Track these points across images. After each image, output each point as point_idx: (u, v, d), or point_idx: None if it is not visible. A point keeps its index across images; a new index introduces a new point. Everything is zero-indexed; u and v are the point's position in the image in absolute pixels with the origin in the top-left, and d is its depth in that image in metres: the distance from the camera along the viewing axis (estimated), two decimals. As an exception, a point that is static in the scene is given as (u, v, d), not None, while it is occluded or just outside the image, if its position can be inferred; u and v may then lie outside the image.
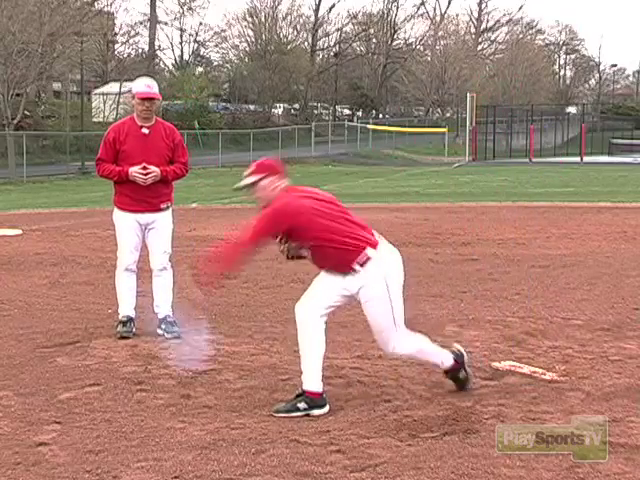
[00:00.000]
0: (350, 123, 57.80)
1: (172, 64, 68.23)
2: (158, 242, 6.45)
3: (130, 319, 6.44)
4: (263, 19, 66.74)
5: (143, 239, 6.47)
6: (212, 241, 12.21)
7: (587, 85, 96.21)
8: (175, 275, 6.68)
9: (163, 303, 6.49)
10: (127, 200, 6.35)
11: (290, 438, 4.26)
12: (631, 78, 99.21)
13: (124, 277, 6.49)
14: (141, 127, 6.31)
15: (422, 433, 4.32)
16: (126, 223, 6.39)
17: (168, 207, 6.50)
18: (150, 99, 6.26)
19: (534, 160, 43.43)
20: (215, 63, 71.58)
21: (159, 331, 6.43)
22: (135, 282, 6.54)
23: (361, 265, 4.65)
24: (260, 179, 4.82)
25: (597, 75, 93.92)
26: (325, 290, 4.77)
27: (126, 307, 6.48)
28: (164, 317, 6.46)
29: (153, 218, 6.39)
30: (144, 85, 6.33)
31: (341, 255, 4.65)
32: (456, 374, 5.01)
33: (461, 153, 46.12)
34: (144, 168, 6.22)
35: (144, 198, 6.31)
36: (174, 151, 6.42)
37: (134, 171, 6.22)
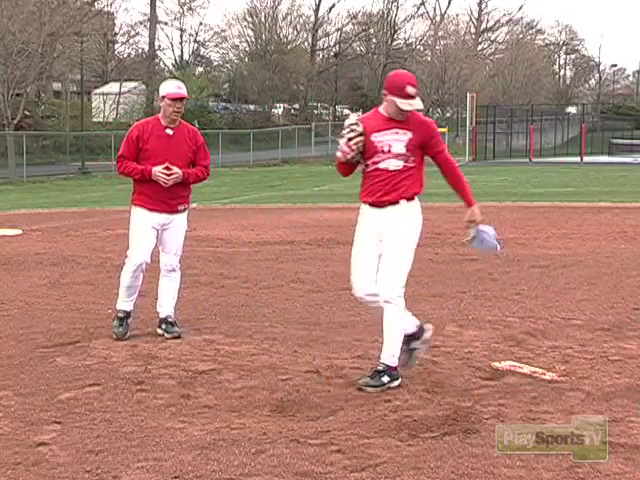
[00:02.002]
0: (350, 123, 57.69)
1: (172, 64, 68.16)
2: (171, 243, 6.45)
3: (127, 314, 6.40)
4: (263, 19, 66.75)
5: (156, 240, 6.44)
6: (212, 241, 12.24)
7: (587, 85, 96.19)
8: (182, 276, 6.67)
9: (167, 303, 6.49)
10: (146, 199, 6.34)
11: (290, 438, 4.26)
12: (631, 78, 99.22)
13: (131, 276, 6.39)
14: (165, 128, 6.33)
15: (422, 433, 4.32)
16: (143, 221, 6.36)
17: (185, 209, 6.51)
18: (181, 99, 6.28)
19: (534, 160, 43.45)
20: (215, 63, 71.58)
21: (159, 331, 6.43)
22: (140, 282, 6.48)
23: (407, 200, 5.15)
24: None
25: (597, 75, 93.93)
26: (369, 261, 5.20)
27: (125, 303, 6.44)
28: (165, 317, 6.45)
29: (169, 219, 6.38)
30: (175, 86, 6.36)
31: (414, 181, 5.19)
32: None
33: (461, 153, 46.09)
34: (167, 168, 6.23)
35: (163, 199, 6.32)
36: (196, 154, 6.43)
37: (157, 170, 6.22)
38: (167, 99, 6.27)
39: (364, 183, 5.27)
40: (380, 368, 5.11)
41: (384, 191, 5.15)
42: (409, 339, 5.31)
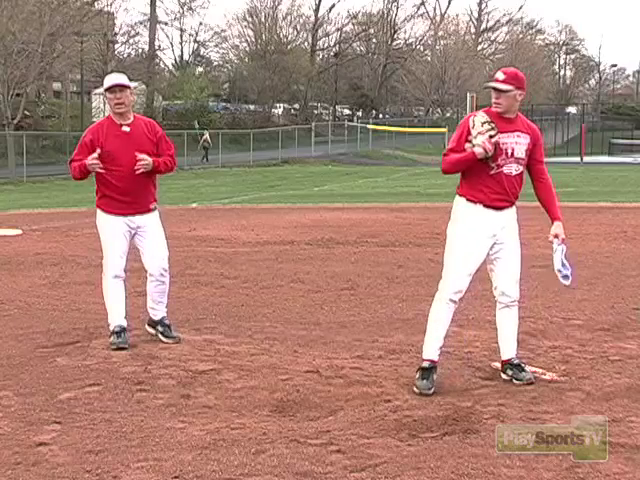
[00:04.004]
0: (350, 123, 57.81)
1: (172, 64, 68.38)
2: (156, 246, 6.21)
3: (123, 329, 6.17)
4: (263, 19, 66.84)
5: (131, 243, 6.21)
6: (212, 241, 12.23)
7: (587, 85, 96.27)
8: (170, 276, 6.54)
9: (160, 305, 6.33)
10: (114, 203, 6.09)
11: (290, 438, 4.26)
12: (631, 78, 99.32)
13: (114, 285, 6.20)
14: (121, 125, 6.06)
15: (422, 433, 4.32)
16: (116, 228, 6.12)
17: (156, 207, 6.28)
18: (119, 87, 5.98)
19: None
20: (215, 63, 71.70)
21: (151, 330, 6.28)
22: (124, 288, 6.28)
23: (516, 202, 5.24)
24: (514, 89, 5.02)
25: (597, 75, 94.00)
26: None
27: (117, 317, 6.20)
28: (161, 319, 6.31)
29: (144, 220, 6.15)
30: (111, 78, 6.09)
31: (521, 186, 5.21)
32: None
33: (461, 153, 46.06)
34: (136, 158, 5.95)
35: (134, 199, 6.07)
36: (158, 146, 6.17)
37: (90, 158, 5.93)
38: (106, 92, 6.03)
39: (478, 182, 5.08)
40: (516, 362, 5.25)
41: (506, 196, 5.12)
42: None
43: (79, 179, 6.28)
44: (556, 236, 5.33)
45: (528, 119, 5.43)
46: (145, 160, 6.00)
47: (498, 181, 5.06)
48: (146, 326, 6.39)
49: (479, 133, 4.97)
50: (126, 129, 6.07)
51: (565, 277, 5.33)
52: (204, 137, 42.63)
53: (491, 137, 4.96)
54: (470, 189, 5.12)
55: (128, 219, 6.12)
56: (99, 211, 6.26)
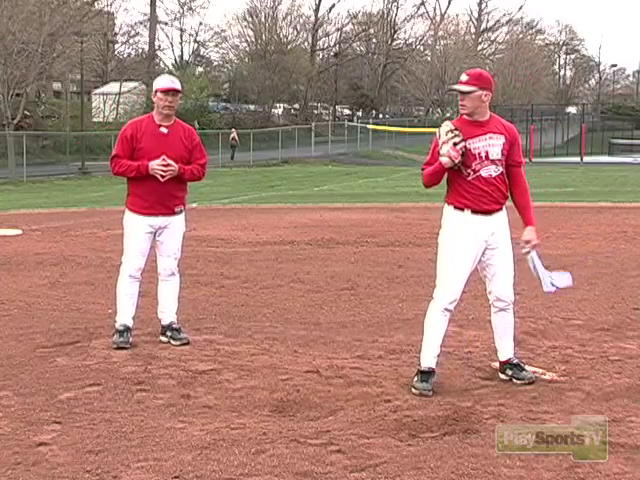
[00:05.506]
0: (350, 123, 57.83)
1: (172, 64, 68.30)
2: (169, 247, 6.26)
3: (127, 329, 6.20)
4: (263, 19, 66.92)
5: (152, 244, 6.25)
6: (212, 241, 12.23)
7: (587, 85, 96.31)
8: (181, 276, 6.57)
9: (168, 309, 6.33)
10: (141, 202, 6.11)
11: (290, 438, 4.26)
12: (631, 78, 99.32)
13: (128, 284, 6.25)
14: (159, 126, 6.12)
15: (422, 433, 4.32)
16: (138, 227, 6.15)
17: (182, 210, 6.29)
18: (173, 92, 6.05)
19: (534, 160, 43.44)
20: (215, 63, 71.75)
21: (163, 338, 6.27)
22: (138, 290, 6.31)
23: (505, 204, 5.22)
24: (478, 89, 5.00)
25: (597, 75, 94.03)
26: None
27: (125, 316, 6.24)
28: (169, 324, 6.30)
29: (166, 222, 6.18)
30: (167, 80, 6.19)
31: (506, 185, 5.19)
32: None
33: (461, 153, 46.08)
34: (164, 161, 6.00)
35: (158, 200, 6.10)
36: (192, 153, 6.22)
37: (155, 164, 5.98)
38: (159, 92, 6.06)
39: (460, 188, 5.09)
40: (516, 361, 5.27)
41: (492, 199, 5.10)
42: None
43: (121, 176, 6.23)
44: (528, 241, 5.20)
45: (505, 119, 5.42)
46: (172, 167, 6.04)
47: (478, 185, 5.06)
48: (159, 337, 6.33)
49: (443, 143, 5.00)
50: (164, 130, 6.12)
51: (549, 284, 5.30)
52: (232, 135, 43.26)
53: (455, 144, 4.96)
54: (455, 195, 5.14)
55: (151, 219, 6.14)
56: (126, 210, 6.29)
